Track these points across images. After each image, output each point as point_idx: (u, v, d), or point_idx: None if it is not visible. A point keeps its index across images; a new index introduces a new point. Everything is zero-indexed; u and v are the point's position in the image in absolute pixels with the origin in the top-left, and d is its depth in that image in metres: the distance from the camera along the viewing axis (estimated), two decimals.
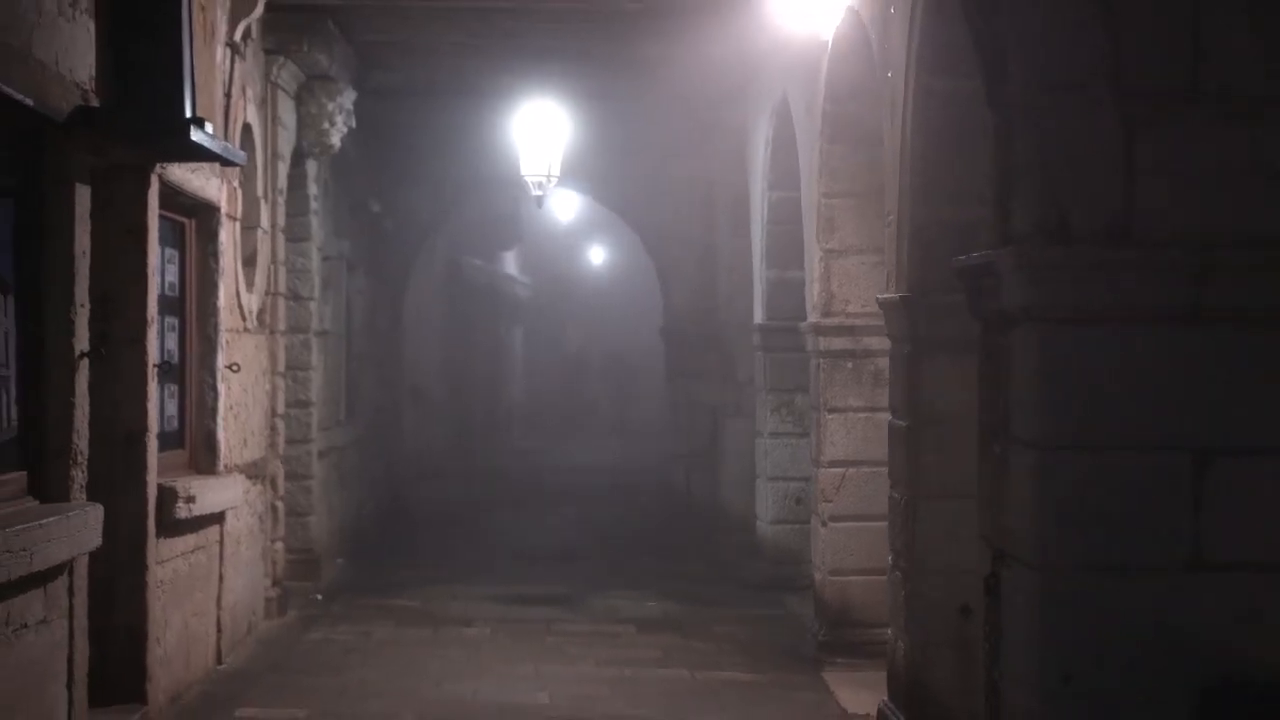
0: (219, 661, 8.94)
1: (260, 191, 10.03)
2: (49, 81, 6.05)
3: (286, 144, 10.97)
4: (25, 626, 5.85)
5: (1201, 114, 4.34)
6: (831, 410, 9.89)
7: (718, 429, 15.52)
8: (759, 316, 12.79)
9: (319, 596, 11.53)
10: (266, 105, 10.36)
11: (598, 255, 37.06)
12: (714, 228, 15.79)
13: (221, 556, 8.95)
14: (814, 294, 10.05)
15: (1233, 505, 4.32)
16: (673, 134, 15.34)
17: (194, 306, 8.71)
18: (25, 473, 6.24)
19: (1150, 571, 4.31)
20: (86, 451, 6.53)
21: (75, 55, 6.38)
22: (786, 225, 11.74)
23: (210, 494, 8.38)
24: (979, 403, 4.98)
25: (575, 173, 15.33)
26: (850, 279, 9.73)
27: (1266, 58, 4.37)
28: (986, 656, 4.80)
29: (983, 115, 4.86)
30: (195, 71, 7.24)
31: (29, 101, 5.77)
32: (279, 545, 10.87)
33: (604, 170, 16.29)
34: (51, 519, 5.96)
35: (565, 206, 25.21)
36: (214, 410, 8.84)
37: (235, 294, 9.37)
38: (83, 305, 6.49)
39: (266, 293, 10.40)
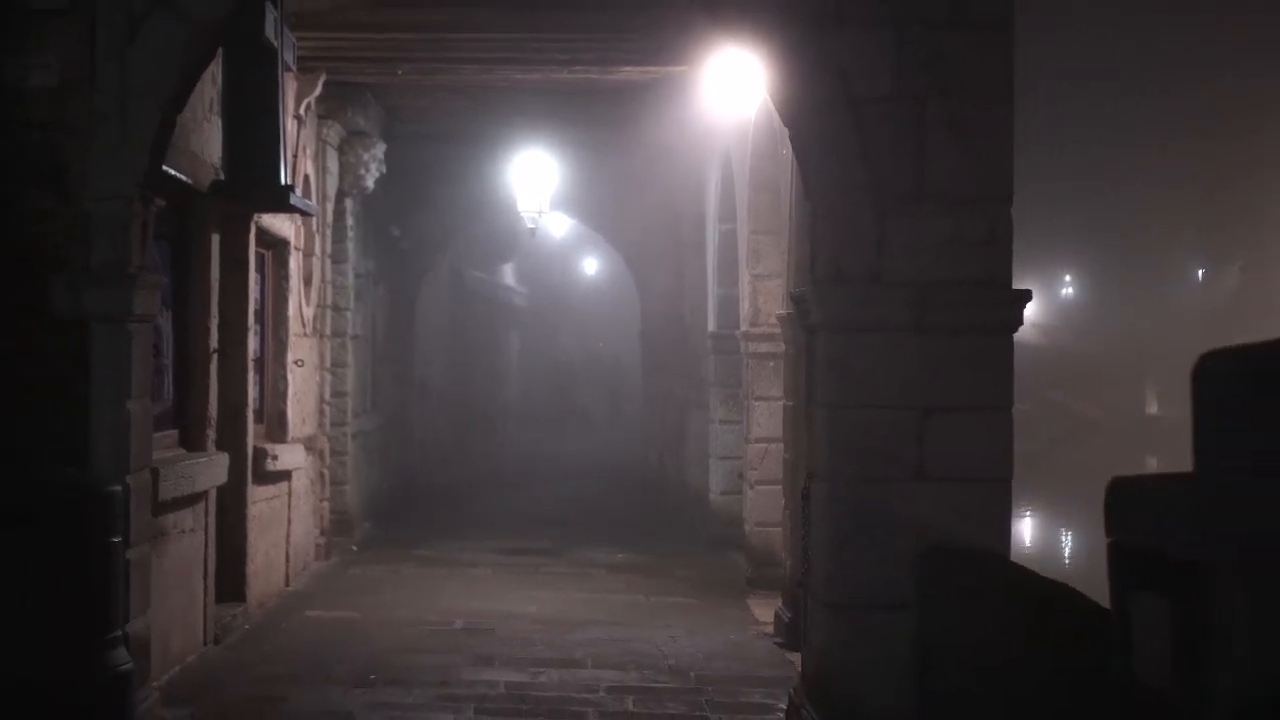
0: (287, 584, 11.80)
1: (315, 227, 12.89)
2: (198, 166, 8.93)
3: (332, 187, 13.85)
4: (184, 531, 8.73)
5: (925, 208, 7.17)
6: (757, 399, 12.79)
7: (684, 419, 18.37)
8: (711, 325, 15.66)
9: (354, 547, 14.41)
10: (319, 158, 13.24)
11: (590, 266, 40.07)
12: (680, 249, 18.68)
13: (289, 505, 11.81)
14: (745, 308, 12.94)
15: (941, 442, 7.12)
16: (645, 171, 18.23)
17: (271, 316, 11.57)
18: (177, 431, 9.13)
19: (893, 482, 7.12)
20: (216, 418, 9.42)
21: (211, 144, 9.28)
22: (731, 252, 14.56)
23: (285, 455, 11.26)
24: (804, 384, 7.84)
25: (566, 200, 18.42)
26: (771, 297, 12.58)
27: (966, 173, 7.21)
28: (803, 539, 7.67)
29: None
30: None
31: (189, 181, 8.65)
32: (325, 505, 13.73)
33: (589, 199, 19.28)
34: (201, 460, 8.88)
35: (558, 224, 28.12)
36: (285, 395, 11.70)
37: (299, 306, 12.23)
38: (214, 317, 9.38)
39: (318, 305, 13.26)
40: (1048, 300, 76.74)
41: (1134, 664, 4.10)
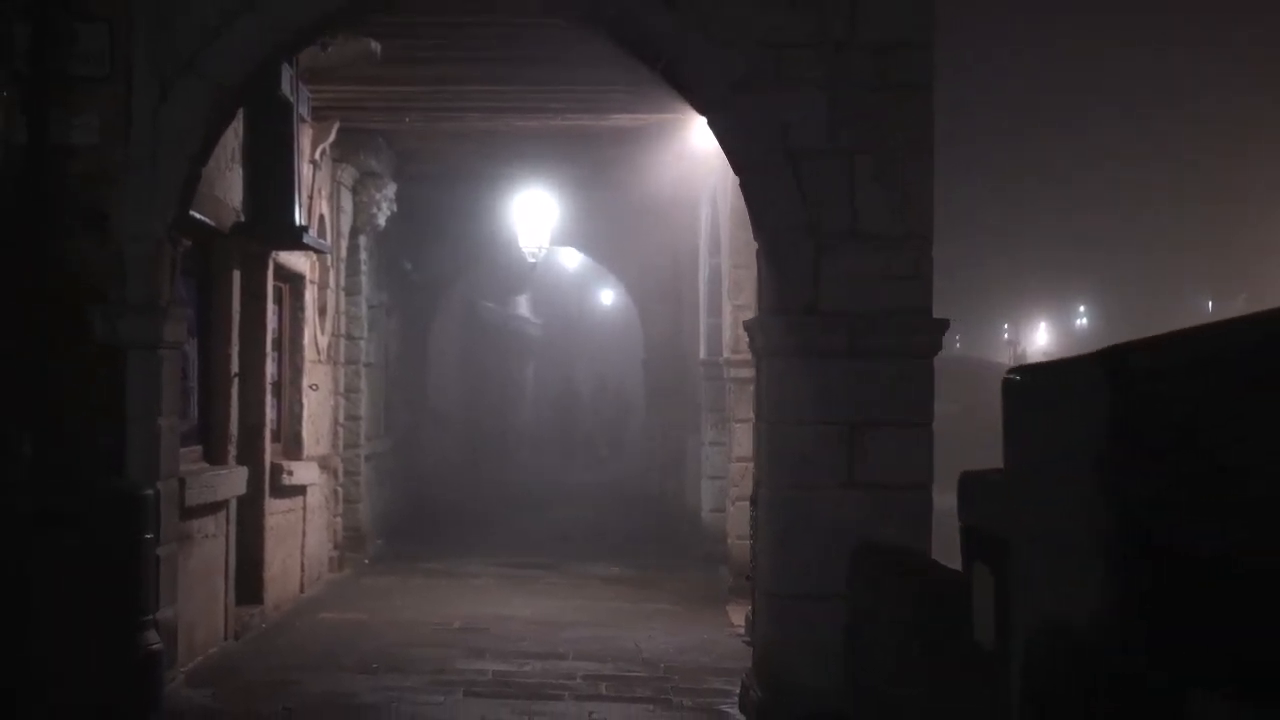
0: (302, 591, 12.81)
1: (330, 262, 13.96)
2: (221, 209, 10.00)
3: (346, 224, 14.91)
4: (207, 536, 9.76)
5: (858, 246, 8.17)
6: (738, 421, 13.76)
7: (682, 442, 19.34)
8: (702, 353, 16.66)
9: (366, 561, 15.41)
10: (334, 198, 14.30)
11: (606, 298, 41.14)
12: (679, 281, 19.71)
13: (304, 518, 12.83)
14: (727, 336, 13.95)
15: (869, 453, 8.09)
16: (645, 207, 19.22)
17: (288, 344, 12.61)
18: (201, 446, 10.17)
19: (826, 488, 8.08)
20: (236, 436, 10.46)
21: (233, 190, 10.35)
22: (718, 284, 15.54)
23: (300, 471, 12.28)
24: (755, 402, 8.84)
25: (572, 235, 19.56)
26: None
27: (893, 216, 8.21)
28: (752, 539, 8.66)
29: None
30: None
31: (213, 223, 9.72)
32: (338, 520, 14.75)
33: (594, 233, 20.37)
34: (222, 472, 9.92)
35: (570, 258, 29.17)
36: (300, 416, 12.74)
37: (314, 335, 13.28)
38: (234, 345, 10.43)
39: (333, 334, 14.31)
40: (1062, 331, 77.48)
41: (974, 627, 5.10)
